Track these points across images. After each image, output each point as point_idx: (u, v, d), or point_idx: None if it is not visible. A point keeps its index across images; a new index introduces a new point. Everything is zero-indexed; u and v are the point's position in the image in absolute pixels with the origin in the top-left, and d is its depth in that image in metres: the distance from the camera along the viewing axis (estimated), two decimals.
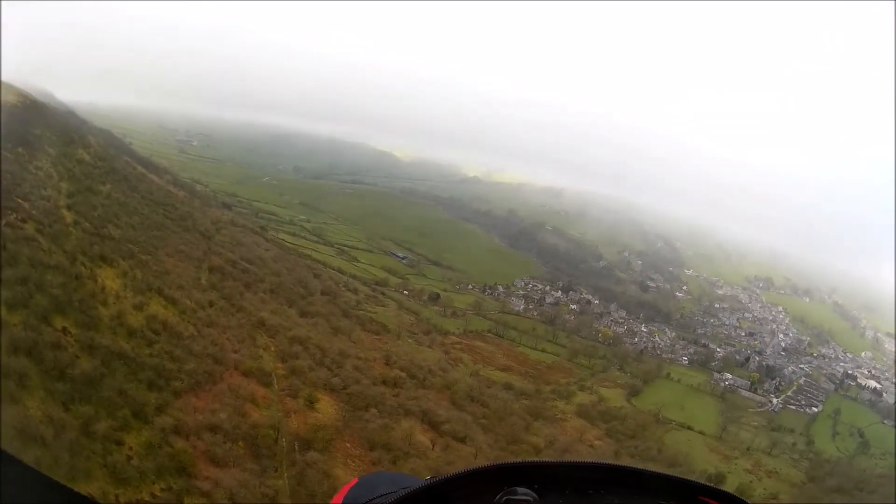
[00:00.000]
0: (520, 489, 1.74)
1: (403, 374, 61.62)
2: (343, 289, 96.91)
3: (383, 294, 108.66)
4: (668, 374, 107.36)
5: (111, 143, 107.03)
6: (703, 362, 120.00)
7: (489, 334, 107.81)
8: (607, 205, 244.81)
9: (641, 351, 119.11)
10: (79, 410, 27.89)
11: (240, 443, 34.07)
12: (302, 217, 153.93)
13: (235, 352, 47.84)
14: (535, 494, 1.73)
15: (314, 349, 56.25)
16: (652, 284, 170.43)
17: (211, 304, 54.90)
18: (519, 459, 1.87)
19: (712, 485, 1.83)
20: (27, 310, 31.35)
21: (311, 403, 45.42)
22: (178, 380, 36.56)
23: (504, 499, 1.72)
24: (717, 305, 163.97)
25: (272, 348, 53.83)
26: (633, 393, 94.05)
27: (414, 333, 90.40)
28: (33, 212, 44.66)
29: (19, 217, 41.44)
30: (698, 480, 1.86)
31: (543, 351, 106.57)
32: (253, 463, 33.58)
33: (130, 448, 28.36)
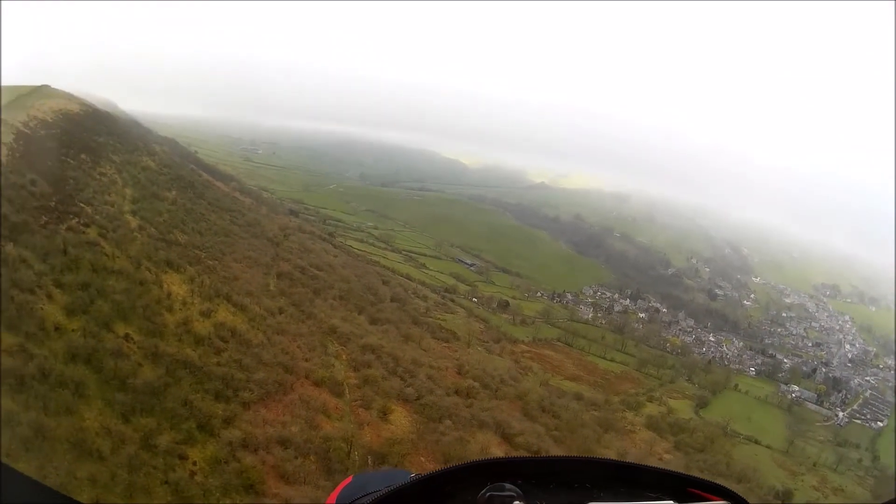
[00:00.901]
0: (504, 484, 1.80)
1: (476, 384, 59.50)
2: (412, 295, 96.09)
3: (452, 301, 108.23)
4: (736, 386, 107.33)
5: (176, 151, 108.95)
6: (770, 373, 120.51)
7: (558, 342, 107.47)
8: (674, 209, 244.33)
9: (709, 361, 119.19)
10: (140, 422, 26.29)
11: (311, 457, 31.89)
12: (369, 224, 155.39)
13: (306, 360, 46.09)
14: (518, 490, 1.79)
15: (387, 358, 54.59)
16: (720, 292, 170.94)
17: (280, 311, 53.55)
18: (503, 455, 2.05)
19: (705, 478, 1.91)
20: (87, 315, 30.11)
21: (384, 415, 43.37)
22: (248, 390, 34.77)
23: (488, 494, 1.78)
24: (784, 314, 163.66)
25: (344, 356, 52.23)
26: (701, 404, 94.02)
27: (484, 341, 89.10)
28: (96, 216, 44.09)
29: (81, 221, 40.75)
30: (686, 472, 1.95)
31: (612, 360, 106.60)
32: (325, 479, 31.34)
33: (195, 463, 26.56)
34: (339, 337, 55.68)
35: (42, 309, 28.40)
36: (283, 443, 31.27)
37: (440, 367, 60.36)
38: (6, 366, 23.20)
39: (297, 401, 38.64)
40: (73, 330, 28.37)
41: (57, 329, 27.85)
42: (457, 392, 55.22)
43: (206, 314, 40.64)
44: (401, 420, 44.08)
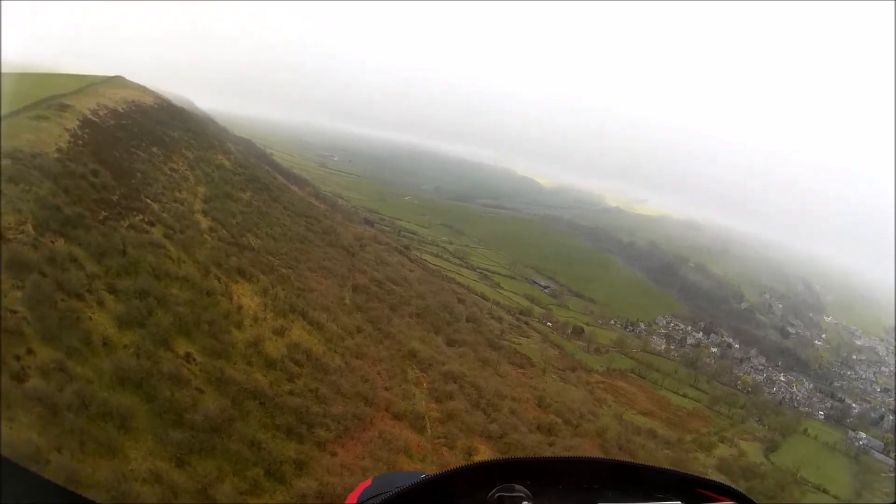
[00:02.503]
0: (514, 485, 1.86)
1: (558, 420, 56.62)
2: (487, 316, 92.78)
3: (527, 324, 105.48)
4: (805, 430, 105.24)
5: (252, 151, 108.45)
6: (838, 418, 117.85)
7: (631, 374, 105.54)
8: (746, 240, 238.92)
9: (780, 402, 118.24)
10: (197, 467, 21.87)
11: None
12: (444, 238, 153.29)
13: (386, 389, 42.13)
14: (528, 491, 1.86)
15: (469, 388, 51.26)
16: (792, 330, 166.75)
17: (358, 330, 49.70)
18: (513, 456, 2.02)
19: (709, 477, 1.95)
20: (143, 329, 26.09)
21: (469, 456, 39.42)
22: (324, 426, 30.21)
23: (497, 495, 1.84)
24: (854, 357, 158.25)
25: (424, 384, 48.61)
26: (771, 448, 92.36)
27: (559, 369, 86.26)
28: (163, 214, 40.76)
29: (146, 219, 37.26)
30: (694, 473, 1.99)
31: (684, 396, 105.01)
32: None
33: None
34: (420, 362, 52.42)
35: (90, 318, 24.59)
36: None
37: (522, 400, 57.93)
38: (38, 389, 19.02)
39: (376, 438, 34.60)
40: (124, 346, 24.39)
41: (105, 344, 23.90)
42: (538, 428, 53.01)
43: (279, 332, 36.51)
44: None
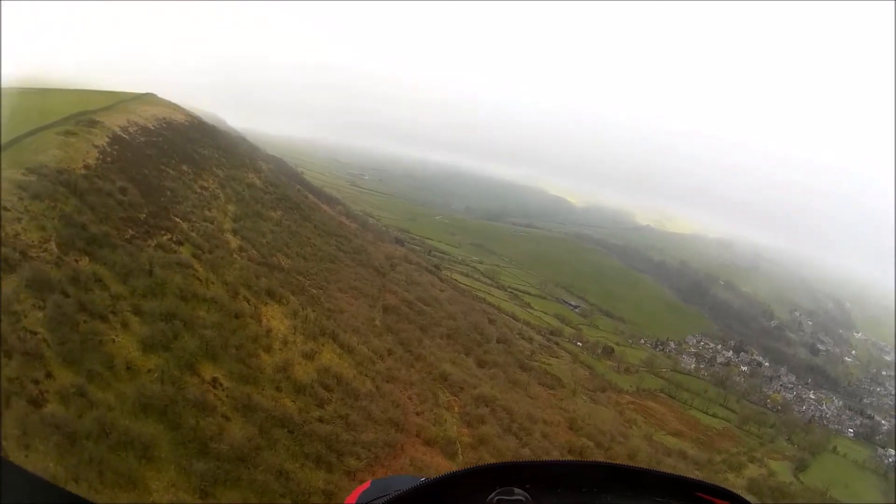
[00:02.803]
0: (513, 489, 1.85)
1: (590, 443, 56.52)
2: (517, 336, 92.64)
3: (557, 344, 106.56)
4: (835, 448, 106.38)
5: (282, 170, 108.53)
6: (867, 435, 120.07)
7: (661, 394, 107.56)
8: (775, 257, 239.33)
9: (810, 420, 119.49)
10: (222, 498, 20.74)
11: None
12: (475, 258, 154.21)
13: (418, 414, 40.87)
14: (527, 494, 1.84)
15: (501, 412, 49.98)
16: (822, 347, 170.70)
17: (389, 353, 48.57)
18: (511, 459, 2.05)
19: (709, 482, 1.94)
20: (169, 353, 25.08)
21: None
22: (354, 455, 28.94)
23: (497, 498, 1.82)
24: (884, 373, 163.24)
25: (456, 409, 47.08)
26: (801, 467, 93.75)
27: (590, 390, 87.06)
28: (192, 234, 40.05)
29: (174, 238, 36.56)
30: (694, 477, 1.98)
31: (714, 416, 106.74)
32: None
33: None
34: (451, 385, 51.13)
35: (113, 341, 23.66)
36: None
37: (553, 423, 57.51)
38: (57, 415, 18.08)
39: (407, 466, 33.24)
40: (148, 371, 23.40)
41: (129, 369, 22.93)
42: (570, 452, 52.70)
43: (308, 356, 35.41)
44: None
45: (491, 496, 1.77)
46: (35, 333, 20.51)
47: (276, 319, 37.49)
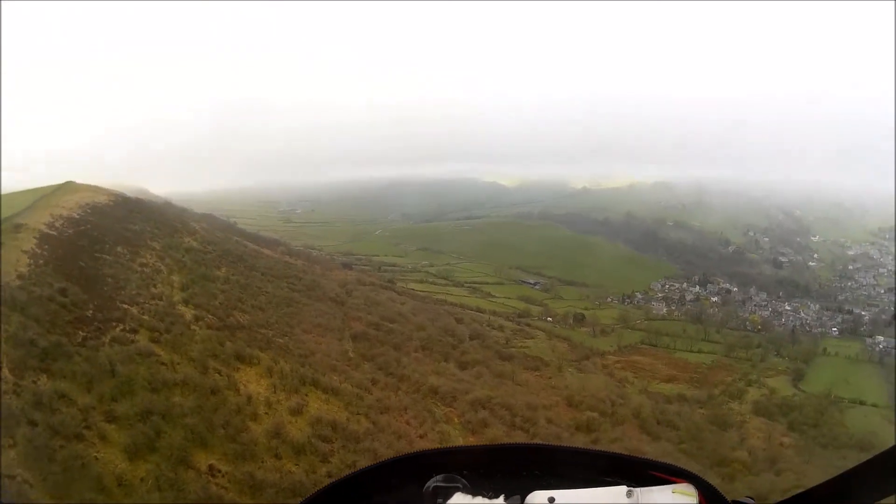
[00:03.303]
0: (450, 475, 1.90)
1: (594, 414, 57.18)
2: (488, 328, 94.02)
3: (528, 325, 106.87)
4: (825, 350, 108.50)
5: (216, 225, 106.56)
6: (852, 330, 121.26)
7: (643, 345, 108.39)
8: (720, 188, 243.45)
9: (793, 330, 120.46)
10: None
11: None
12: (424, 262, 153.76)
13: (421, 437, 40.02)
14: (464, 480, 1.88)
15: (501, 410, 49.95)
16: (784, 259, 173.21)
17: (373, 383, 47.76)
18: (446, 446, 2.95)
19: (660, 459, 1.91)
20: (156, 454, 23.59)
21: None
22: None
23: (433, 486, 1.87)
24: (850, 267, 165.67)
25: (455, 420, 46.95)
26: (798, 377, 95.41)
27: (574, 361, 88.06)
28: (144, 316, 38.23)
29: (127, 327, 34.75)
30: (643, 456, 1.98)
31: (700, 352, 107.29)
32: None
33: None
34: (443, 397, 50.89)
35: (97, 459, 22.16)
36: None
37: (552, 405, 58.17)
38: None
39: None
40: (141, 480, 21.97)
41: (121, 484, 21.48)
42: (577, 428, 53.02)
43: (296, 412, 34.15)
44: None
45: (428, 483, 1.79)
46: (13, 477, 18.90)
47: (252, 383, 36.11)
